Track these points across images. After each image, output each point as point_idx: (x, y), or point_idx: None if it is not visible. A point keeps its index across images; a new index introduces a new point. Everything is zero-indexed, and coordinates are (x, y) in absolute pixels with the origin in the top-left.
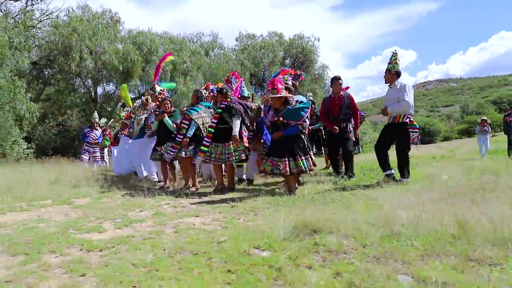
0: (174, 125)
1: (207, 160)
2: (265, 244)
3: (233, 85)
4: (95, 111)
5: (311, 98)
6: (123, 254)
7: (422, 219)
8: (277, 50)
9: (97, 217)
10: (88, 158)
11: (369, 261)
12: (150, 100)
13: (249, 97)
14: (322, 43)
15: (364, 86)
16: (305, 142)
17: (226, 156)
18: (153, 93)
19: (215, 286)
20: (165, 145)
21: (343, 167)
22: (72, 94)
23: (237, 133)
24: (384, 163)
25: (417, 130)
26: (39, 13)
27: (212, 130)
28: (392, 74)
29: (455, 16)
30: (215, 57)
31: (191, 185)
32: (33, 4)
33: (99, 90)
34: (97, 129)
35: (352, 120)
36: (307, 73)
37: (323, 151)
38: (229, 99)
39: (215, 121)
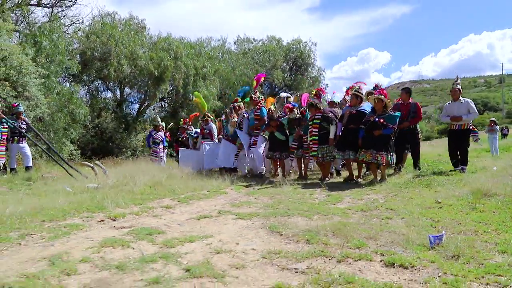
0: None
1: (318, 160)
2: (476, 202)
3: (322, 99)
4: (157, 115)
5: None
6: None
7: None
8: (278, 54)
9: (297, 198)
10: (157, 158)
11: None
12: (242, 106)
13: (337, 103)
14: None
15: (339, 87)
16: (392, 141)
17: (332, 154)
18: (255, 98)
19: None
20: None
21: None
22: (104, 97)
23: (333, 137)
24: (456, 161)
25: (477, 134)
26: (63, 19)
27: (317, 138)
28: (460, 92)
29: (427, 18)
30: (225, 61)
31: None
32: (63, 10)
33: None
34: (161, 131)
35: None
36: (305, 76)
37: None
38: (322, 111)
39: (316, 130)
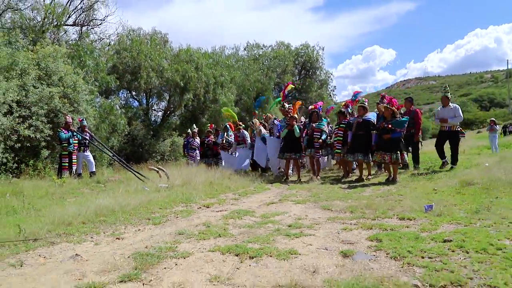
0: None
1: (341, 157)
2: (460, 188)
3: (350, 109)
4: (193, 124)
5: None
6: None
7: None
8: (288, 60)
9: (329, 191)
10: (193, 161)
11: None
12: (270, 115)
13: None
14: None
15: (345, 86)
16: (403, 143)
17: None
18: (283, 109)
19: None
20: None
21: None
22: (133, 106)
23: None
24: (442, 154)
25: (464, 135)
26: (93, 36)
27: (341, 138)
28: (448, 99)
29: (432, 14)
30: (239, 69)
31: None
32: (93, 28)
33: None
34: (196, 138)
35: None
36: (313, 80)
37: None
38: (348, 118)
39: (341, 132)
